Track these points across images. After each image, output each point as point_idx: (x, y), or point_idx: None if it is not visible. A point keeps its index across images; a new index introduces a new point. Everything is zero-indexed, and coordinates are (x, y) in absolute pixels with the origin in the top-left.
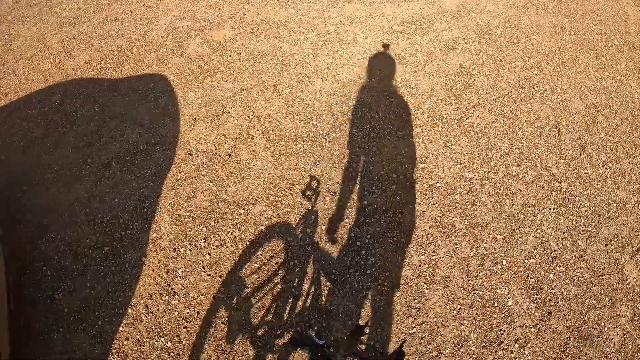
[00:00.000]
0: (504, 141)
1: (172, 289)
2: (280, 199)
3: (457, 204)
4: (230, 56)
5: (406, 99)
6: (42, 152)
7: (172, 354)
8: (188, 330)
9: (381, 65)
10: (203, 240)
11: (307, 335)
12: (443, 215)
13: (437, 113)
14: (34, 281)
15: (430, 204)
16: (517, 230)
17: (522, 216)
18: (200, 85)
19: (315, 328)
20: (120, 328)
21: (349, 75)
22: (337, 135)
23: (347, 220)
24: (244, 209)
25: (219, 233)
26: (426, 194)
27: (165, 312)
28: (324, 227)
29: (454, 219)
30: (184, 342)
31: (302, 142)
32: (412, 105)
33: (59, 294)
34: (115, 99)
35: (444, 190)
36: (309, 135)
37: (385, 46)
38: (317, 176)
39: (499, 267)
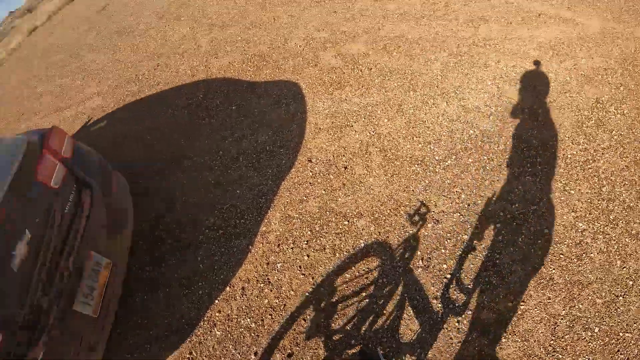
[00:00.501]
0: (631, 193)
1: (268, 278)
2: (384, 218)
3: (561, 256)
4: (361, 71)
5: (530, 133)
6: (182, 139)
7: (252, 335)
8: (272, 318)
9: (510, 93)
10: (305, 243)
11: (375, 352)
12: (544, 264)
13: (562, 152)
14: (155, 244)
15: (532, 250)
16: (621, 298)
17: (632, 282)
18: (329, 97)
19: (386, 349)
20: (216, 301)
21: (475, 102)
22: (451, 163)
23: (443, 251)
24: (348, 221)
25: (321, 239)
26: (530, 239)
27: (257, 297)
28: (419, 254)
29: (553, 271)
30: (266, 327)
31: (416, 165)
32: (535, 140)
33: (172, 260)
34: (251, 100)
35: (551, 238)
36: (424, 159)
37: (517, 73)
38: (425, 201)
39: (589, 333)
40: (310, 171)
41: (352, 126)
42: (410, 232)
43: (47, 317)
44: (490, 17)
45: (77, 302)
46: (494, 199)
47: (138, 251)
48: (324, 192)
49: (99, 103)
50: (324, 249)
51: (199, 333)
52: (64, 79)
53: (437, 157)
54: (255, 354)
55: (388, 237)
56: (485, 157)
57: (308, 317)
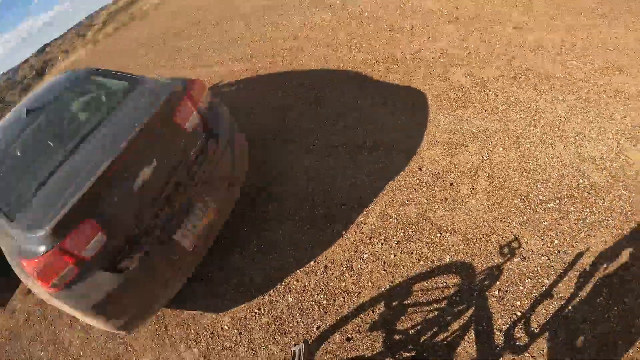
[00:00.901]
0: None
1: (351, 265)
2: (475, 241)
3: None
4: (487, 95)
5: (638, 199)
6: (286, 118)
7: (321, 310)
8: (344, 301)
9: (629, 152)
10: (396, 242)
11: None
12: (612, 332)
13: None
14: (257, 207)
15: (607, 317)
16: None
17: None
18: (452, 113)
19: None
20: (297, 271)
21: (592, 151)
22: (553, 206)
23: (521, 289)
24: (441, 234)
25: (412, 243)
26: (609, 303)
27: (336, 278)
28: (498, 284)
29: (620, 343)
30: (336, 307)
31: (519, 200)
32: None
33: (269, 224)
34: (365, 97)
35: (632, 311)
36: (528, 196)
37: None
38: (518, 236)
39: None
40: (418, 179)
41: (467, 147)
42: (496, 261)
43: (148, 237)
44: (626, 68)
45: (179, 233)
46: (585, 253)
47: (240, 207)
48: (425, 201)
49: (235, 69)
50: (411, 253)
51: (272, 294)
52: (205, 40)
53: (541, 197)
54: (318, 328)
55: (474, 259)
56: (587, 210)
57: (377, 310)
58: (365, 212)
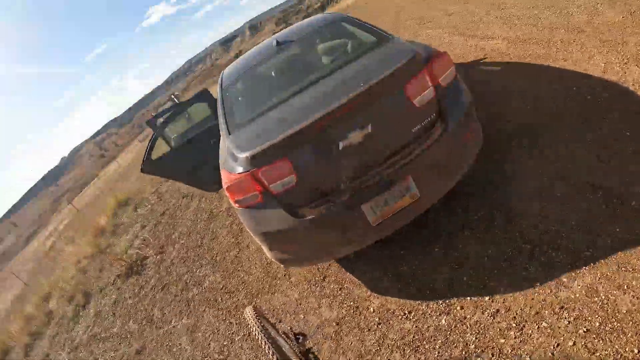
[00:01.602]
0: None
1: (523, 325)
2: None
3: None
4: None
5: None
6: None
7: (463, 352)
8: (491, 358)
9: None
10: (584, 330)
11: None
12: None
13: None
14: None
15: None
16: None
17: None
18: None
19: None
20: (468, 298)
21: None
22: None
23: None
24: None
25: (602, 339)
26: None
27: (499, 330)
28: None
29: None
30: (478, 358)
31: None
32: None
33: (480, 246)
34: None
35: None
36: None
37: None
38: None
39: None
40: None
41: None
42: None
43: (336, 197)
44: None
45: (367, 205)
46: None
47: (451, 200)
48: None
49: (499, 47)
50: (595, 352)
51: (431, 307)
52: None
53: None
54: None
55: None
56: None
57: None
58: (573, 274)
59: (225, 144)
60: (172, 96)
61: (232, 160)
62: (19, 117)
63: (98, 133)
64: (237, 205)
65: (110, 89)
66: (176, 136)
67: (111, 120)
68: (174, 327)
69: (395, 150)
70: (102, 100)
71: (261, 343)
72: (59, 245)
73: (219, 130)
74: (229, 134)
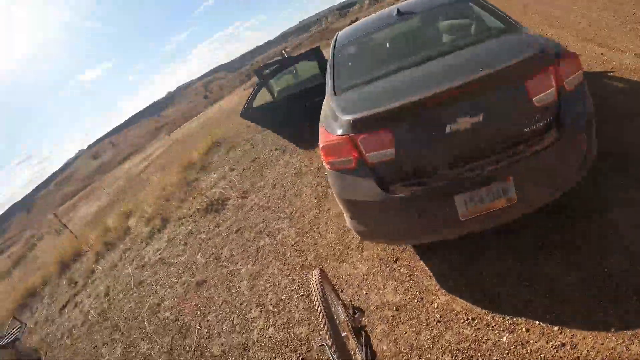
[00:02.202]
0: None
1: None
2: None
3: None
4: None
5: None
6: None
7: None
8: None
9: None
10: None
11: None
12: None
13: None
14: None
15: None
16: None
17: None
18: None
19: None
20: (537, 322)
21: None
22: None
23: None
24: None
25: None
26: None
27: None
28: None
29: None
30: None
31: None
32: None
33: (569, 274)
34: None
35: None
36: None
37: None
38: None
39: None
40: None
41: None
42: None
43: (431, 181)
44: None
45: (461, 197)
46: None
47: (548, 213)
48: None
49: (629, 63)
50: None
51: (496, 319)
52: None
53: None
54: None
55: None
56: None
57: None
58: None
59: (328, 103)
60: (283, 51)
61: (333, 121)
62: (133, 50)
63: (207, 74)
64: (328, 166)
65: (224, 36)
66: (280, 89)
67: (221, 65)
68: (238, 269)
69: (503, 146)
70: (214, 44)
71: (317, 308)
72: (150, 169)
73: (322, 91)
74: (335, 94)
